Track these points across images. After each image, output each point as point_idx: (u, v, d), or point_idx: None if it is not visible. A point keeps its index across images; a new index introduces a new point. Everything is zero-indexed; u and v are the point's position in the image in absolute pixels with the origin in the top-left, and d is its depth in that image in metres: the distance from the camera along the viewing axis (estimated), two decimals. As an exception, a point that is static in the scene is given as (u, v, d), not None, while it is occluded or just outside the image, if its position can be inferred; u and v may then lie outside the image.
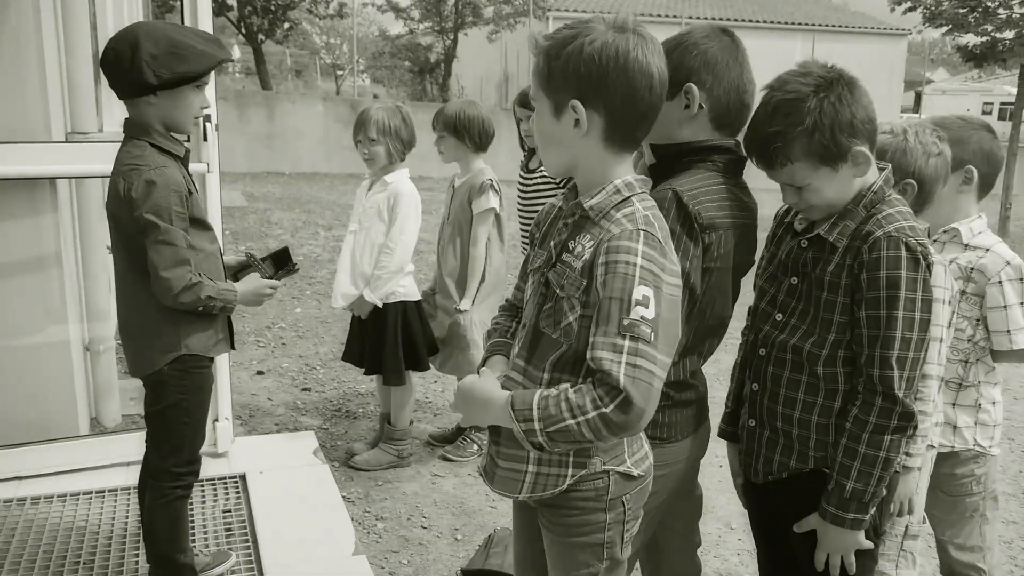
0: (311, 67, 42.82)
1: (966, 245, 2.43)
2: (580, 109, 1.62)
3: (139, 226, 2.27)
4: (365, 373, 3.95)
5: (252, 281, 2.62)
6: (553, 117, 1.66)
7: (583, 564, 1.79)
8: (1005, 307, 2.38)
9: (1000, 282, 2.37)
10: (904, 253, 1.72)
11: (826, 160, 1.77)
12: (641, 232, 1.58)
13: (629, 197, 1.65)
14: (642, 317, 1.55)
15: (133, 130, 2.35)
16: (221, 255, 2.57)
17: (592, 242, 1.63)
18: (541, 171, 3.97)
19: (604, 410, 1.53)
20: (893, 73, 29.20)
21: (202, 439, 2.57)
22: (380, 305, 3.66)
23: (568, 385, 1.60)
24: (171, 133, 2.37)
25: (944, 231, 2.45)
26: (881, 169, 1.89)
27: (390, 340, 3.70)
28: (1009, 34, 13.05)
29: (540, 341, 1.73)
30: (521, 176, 4.16)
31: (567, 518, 1.77)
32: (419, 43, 26.23)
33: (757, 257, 2.04)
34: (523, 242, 3.89)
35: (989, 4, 12.95)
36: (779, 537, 2.02)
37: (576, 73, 1.61)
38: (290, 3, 20.27)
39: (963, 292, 2.38)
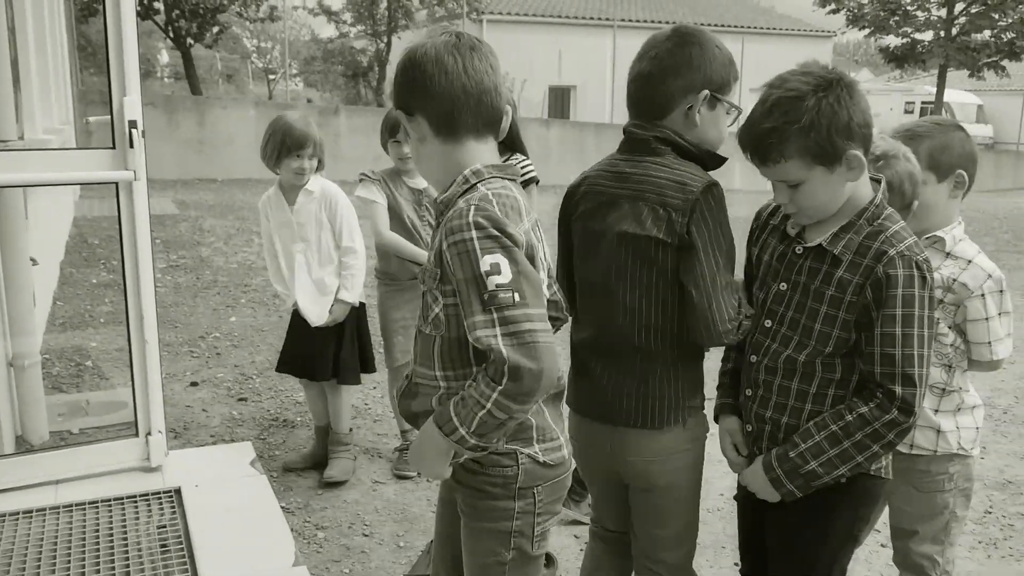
0: (242, 71, 42.12)
1: (947, 253, 2.39)
2: (411, 120, 1.78)
3: None
4: (314, 379, 3.88)
5: None
6: (407, 135, 1.83)
7: (490, 551, 1.83)
8: (987, 319, 2.36)
9: (983, 295, 2.35)
10: (915, 272, 1.78)
11: (821, 160, 1.79)
12: (472, 207, 1.64)
13: (476, 184, 1.72)
14: (498, 285, 1.60)
15: None
16: None
17: (439, 232, 1.71)
18: None
19: (499, 387, 1.60)
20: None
21: None
22: (358, 304, 3.76)
23: (471, 380, 1.67)
24: None
25: (927, 238, 2.39)
26: (875, 180, 1.91)
27: (348, 341, 3.75)
28: (927, 36, 13.51)
29: (419, 340, 1.83)
30: None
31: (478, 502, 1.81)
32: (352, 47, 26.01)
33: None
34: None
35: (908, 7, 13.38)
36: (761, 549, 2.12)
37: (397, 91, 1.80)
38: (219, 6, 19.90)
39: (941, 301, 2.36)
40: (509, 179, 1.77)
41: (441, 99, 1.73)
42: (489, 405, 1.62)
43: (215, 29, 20.81)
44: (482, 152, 1.78)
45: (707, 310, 1.93)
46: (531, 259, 1.68)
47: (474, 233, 1.61)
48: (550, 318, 1.90)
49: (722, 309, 1.93)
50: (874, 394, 1.82)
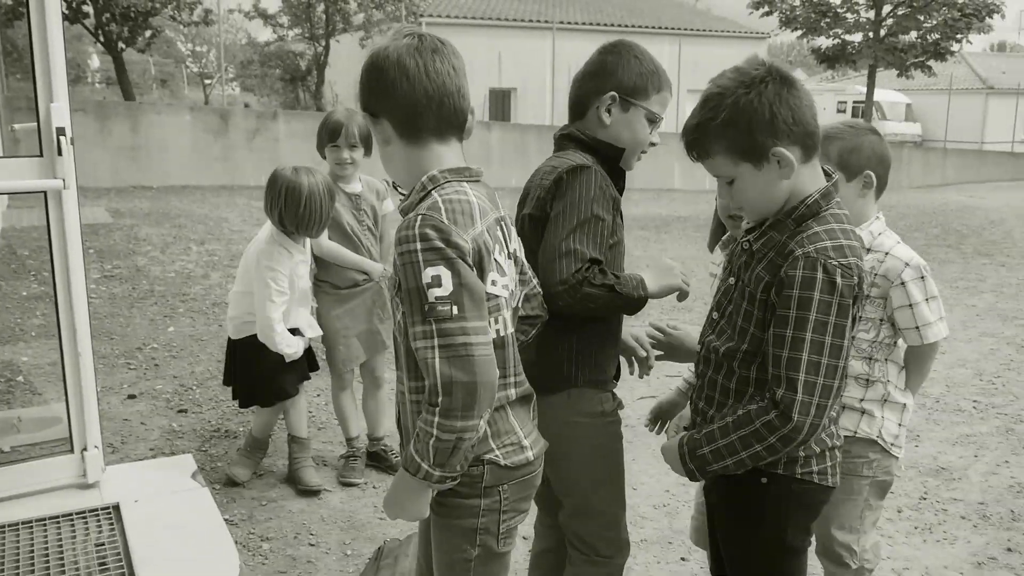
0: (177, 76, 41.38)
1: (868, 248, 2.46)
2: (376, 123, 1.81)
3: None
4: (295, 394, 3.80)
5: None
6: (374, 136, 1.84)
7: (456, 547, 1.85)
8: (911, 305, 2.45)
9: (903, 283, 2.44)
10: (820, 275, 1.69)
11: (745, 157, 1.77)
12: (419, 218, 1.66)
13: (431, 191, 1.74)
14: (437, 297, 1.62)
15: None
16: None
17: None
18: None
19: (437, 408, 1.62)
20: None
21: None
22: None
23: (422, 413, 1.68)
24: None
25: None
26: (830, 177, 1.86)
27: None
28: (857, 37, 13.86)
29: (396, 348, 1.88)
30: None
31: (445, 499, 1.82)
32: (290, 50, 25.71)
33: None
34: None
35: (839, 10, 13.71)
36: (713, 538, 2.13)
37: (362, 94, 1.81)
38: (151, 10, 19.48)
39: (867, 296, 2.41)
40: (470, 180, 1.80)
41: (403, 102, 1.75)
42: (435, 431, 1.63)
43: (147, 33, 20.37)
44: (444, 155, 1.80)
45: (543, 271, 2.05)
46: (480, 263, 1.70)
47: (418, 244, 1.63)
48: (528, 317, 1.99)
49: (554, 271, 2.02)
50: (764, 394, 1.79)
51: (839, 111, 35.13)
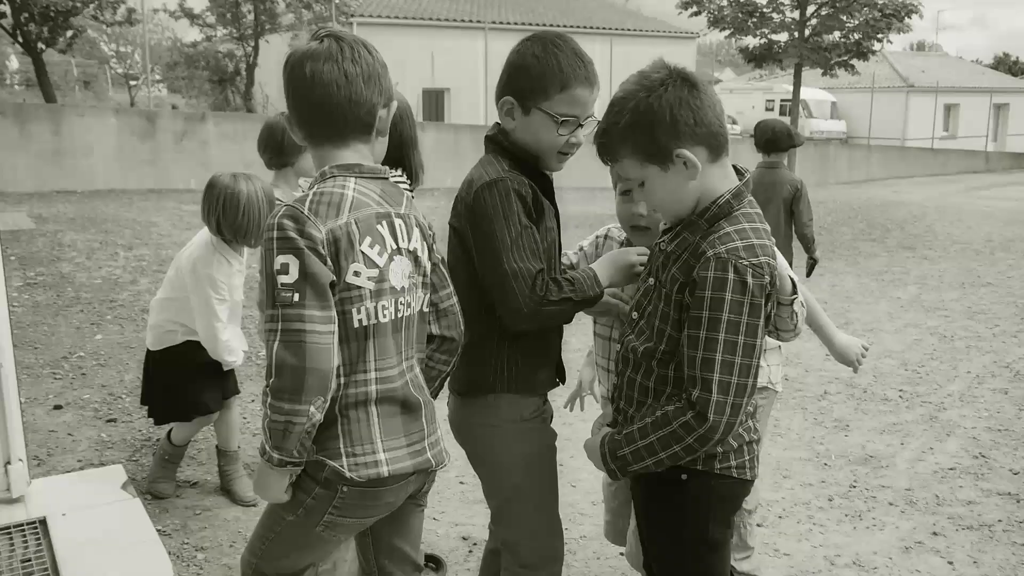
0: (101, 77, 40.26)
1: None
2: (290, 124, 1.91)
3: None
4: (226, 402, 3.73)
5: None
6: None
7: (278, 509, 1.92)
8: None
9: None
10: (731, 275, 1.71)
11: (651, 159, 1.78)
12: (283, 208, 1.77)
13: (315, 184, 1.84)
14: (282, 284, 1.71)
15: None
16: None
17: None
18: None
19: (270, 388, 1.72)
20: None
21: None
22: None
23: None
24: None
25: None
26: (742, 176, 1.87)
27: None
28: (783, 37, 14.18)
29: None
30: None
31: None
32: (218, 51, 25.22)
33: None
34: None
35: (765, 10, 14.00)
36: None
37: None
38: (72, 9, 18.89)
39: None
40: (361, 176, 1.87)
41: (297, 107, 1.84)
42: (268, 411, 1.72)
43: (68, 33, 19.73)
44: (343, 156, 1.87)
45: (496, 297, 2.05)
46: (338, 254, 1.76)
47: (275, 233, 1.73)
48: (445, 341, 2.06)
49: (507, 299, 2.03)
50: (682, 394, 1.81)
51: (767, 109, 35.91)
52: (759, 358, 1.77)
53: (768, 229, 1.84)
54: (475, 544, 3.41)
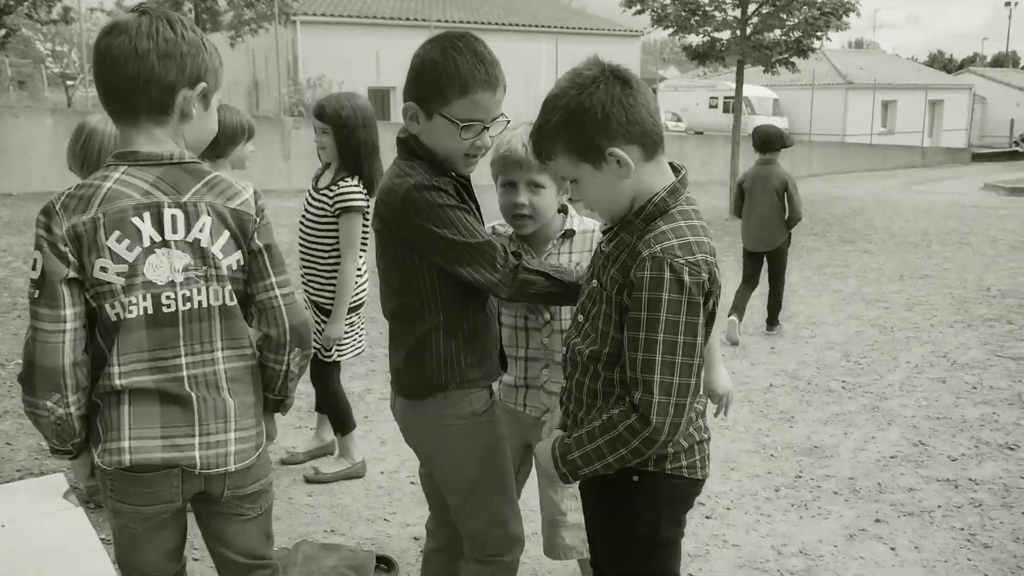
0: (36, 77, 39.20)
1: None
2: None
3: None
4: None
5: None
6: None
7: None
8: None
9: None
10: (667, 275, 1.68)
11: (584, 157, 1.77)
12: (48, 200, 1.82)
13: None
14: (31, 280, 1.78)
15: None
16: None
17: None
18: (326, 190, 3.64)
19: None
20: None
21: None
22: None
23: None
24: None
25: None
26: (678, 173, 1.85)
27: None
28: (725, 34, 14.36)
29: None
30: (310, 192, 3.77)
31: None
32: (158, 49, 24.74)
33: None
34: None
35: (707, 8, 14.16)
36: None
37: None
38: (5, 7, 18.38)
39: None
40: (134, 164, 1.81)
41: (96, 80, 1.81)
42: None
43: (1, 32, 19.22)
44: (135, 138, 1.82)
45: (469, 271, 2.05)
46: (80, 249, 1.76)
47: (36, 227, 1.78)
48: (267, 340, 1.97)
49: (483, 277, 2.05)
50: (625, 398, 1.79)
51: (711, 106, 36.39)
52: (701, 356, 1.76)
53: (706, 226, 1.84)
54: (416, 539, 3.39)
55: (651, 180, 1.81)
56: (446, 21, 25.44)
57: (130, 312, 1.80)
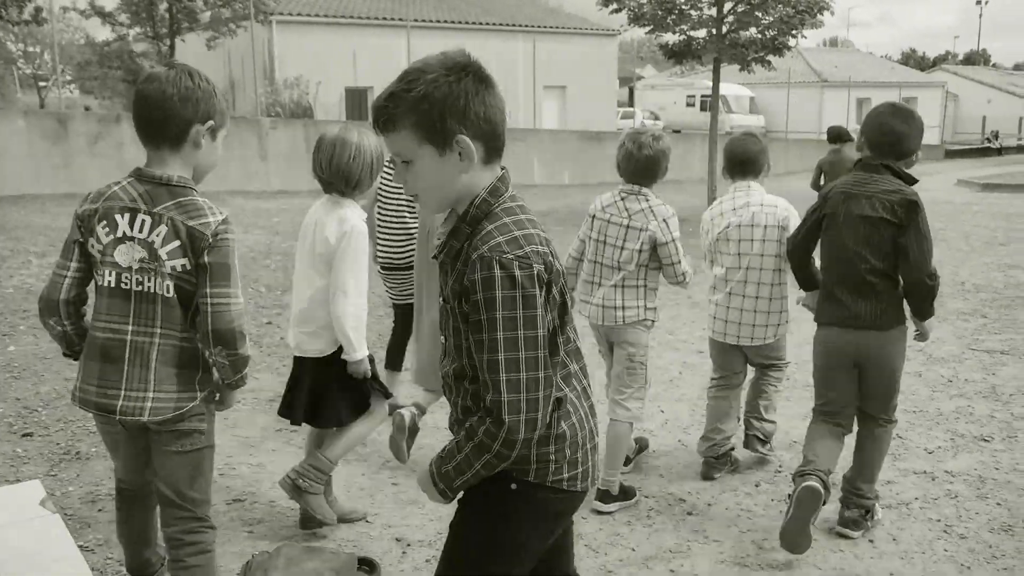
0: (8, 78, 38.74)
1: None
2: None
3: None
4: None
5: None
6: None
7: None
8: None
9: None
10: (498, 272, 1.67)
11: (430, 138, 1.73)
12: None
13: None
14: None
15: None
16: None
17: None
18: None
19: None
20: (608, 70, 31.30)
21: None
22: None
23: None
24: None
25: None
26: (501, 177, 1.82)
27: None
28: (701, 33, 14.43)
29: None
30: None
31: None
32: (131, 50, 24.51)
33: None
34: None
35: (683, 7, 14.22)
36: None
37: None
38: (-25, 8, 18.14)
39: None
40: (131, 177, 2.43)
41: (133, 115, 2.49)
42: None
43: (-29, 33, 18.96)
44: (152, 159, 2.44)
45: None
46: (82, 226, 2.43)
47: None
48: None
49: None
50: (481, 405, 1.76)
51: (688, 105, 36.53)
52: (547, 349, 1.74)
53: (534, 219, 1.80)
54: (408, 545, 3.39)
55: (479, 183, 1.79)
56: (423, 21, 25.40)
57: (103, 282, 2.42)
